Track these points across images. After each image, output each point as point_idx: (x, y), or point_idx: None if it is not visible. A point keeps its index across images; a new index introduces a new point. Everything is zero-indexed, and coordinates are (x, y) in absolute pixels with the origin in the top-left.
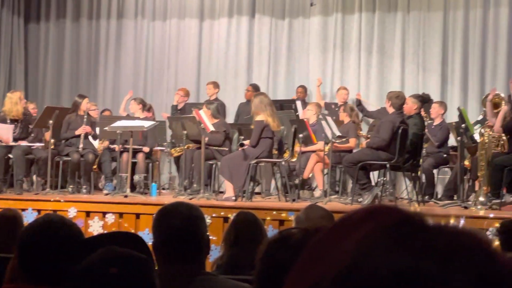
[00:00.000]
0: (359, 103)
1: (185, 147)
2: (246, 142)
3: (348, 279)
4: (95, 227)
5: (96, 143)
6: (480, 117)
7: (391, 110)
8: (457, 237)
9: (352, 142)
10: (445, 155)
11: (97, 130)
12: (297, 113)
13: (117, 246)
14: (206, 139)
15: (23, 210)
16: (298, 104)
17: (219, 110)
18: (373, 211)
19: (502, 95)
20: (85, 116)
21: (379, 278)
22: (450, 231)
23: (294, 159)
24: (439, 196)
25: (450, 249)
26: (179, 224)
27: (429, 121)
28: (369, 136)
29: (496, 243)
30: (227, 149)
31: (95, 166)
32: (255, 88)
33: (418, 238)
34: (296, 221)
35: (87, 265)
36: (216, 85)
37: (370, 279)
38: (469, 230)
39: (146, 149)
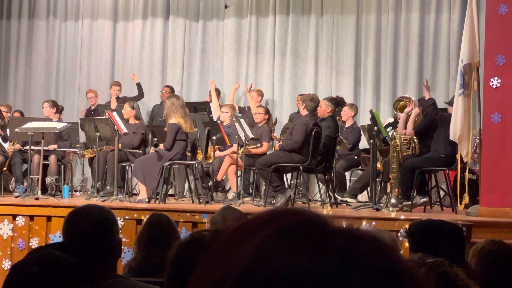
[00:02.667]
0: None
1: (98, 149)
2: (162, 146)
3: (248, 281)
4: (4, 230)
5: (6, 145)
6: (392, 119)
7: (304, 112)
8: (356, 237)
9: (265, 146)
10: (356, 157)
11: (8, 131)
12: (210, 115)
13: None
14: (120, 145)
15: None
16: (212, 106)
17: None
18: (274, 214)
19: (413, 98)
20: None
21: (278, 279)
22: (349, 232)
23: (209, 161)
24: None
25: (349, 249)
26: (89, 226)
27: (341, 123)
28: (282, 138)
29: (406, 244)
30: (141, 151)
31: (5, 168)
32: (172, 89)
33: (317, 239)
34: (212, 223)
35: (17, 263)
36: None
37: (269, 280)
38: (368, 231)
39: (52, 146)
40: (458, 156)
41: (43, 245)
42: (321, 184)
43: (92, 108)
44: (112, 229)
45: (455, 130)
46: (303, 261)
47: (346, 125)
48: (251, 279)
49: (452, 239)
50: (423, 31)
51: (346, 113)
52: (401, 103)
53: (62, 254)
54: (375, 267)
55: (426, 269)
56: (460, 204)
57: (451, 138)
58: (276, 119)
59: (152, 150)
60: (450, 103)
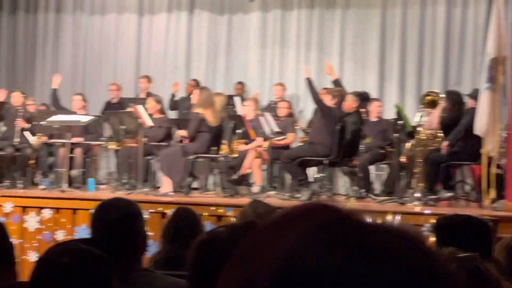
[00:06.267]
0: None
1: (123, 142)
2: (182, 132)
3: (282, 277)
4: (31, 223)
5: (33, 138)
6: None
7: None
8: (392, 236)
9: (291, 137)
10: (382, 151)
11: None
12: (235, 109)
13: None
14: (145, 139)
15: None
16: (237, 100)
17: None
18: (309, 210)
19: (441, 95)
20: (22, 110)
21: (313, 277)
22: (386, 230)
23: (235, 155)
24: (376, 192)
25: (385, 248)
26: (116, 219)
27: (365, 117)
28: (308, 131)
29: (432, 239)
30: (165, 143)
31: (32, 161)
32: (198, 83)
33: (353, 238)
34: (242, 215)
35: (44, 255)
36: (149, 79)
37: (305, 278)
38: (405, 228)
39: (78, 139)
40: (484, 151)
41: (68, 240)
42: (345, 178)
43: (113, 101)
44: (138, 222)
45: (481, 125)
46: (340, 260)
47: (373, 119)
48: (286, 276)
49: (479, 234)
50: (449, 25)
51: (374, 107)
52: (428, 97)
53: (89, 247)
54: (412, 268)
55: (458, 264)
56: (486, 198)
57: (477, 132)
58: (302, 109)
59: (178, 144)
60: (471, 95)
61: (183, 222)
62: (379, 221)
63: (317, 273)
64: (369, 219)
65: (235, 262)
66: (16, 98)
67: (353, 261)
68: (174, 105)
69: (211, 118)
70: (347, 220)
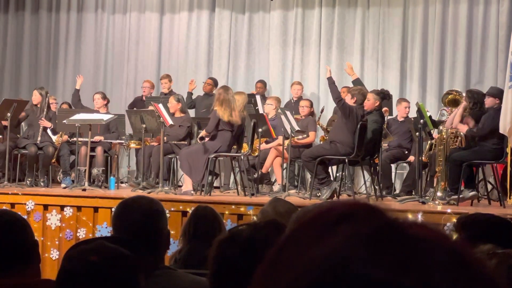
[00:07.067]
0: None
1: (144, 141)
2: (202, 133)
3: (323, 285)
4: (53, 221)
5: (54, 137)
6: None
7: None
8: (439, 250)
9: (312, 135)
10: (405, 152)
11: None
12: (256, 108)
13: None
14: (165, 138)
15: None
16: (258, 98)
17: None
18: (350, 213)
19: (464, 94)
20: (44, 109)
21: (357, 287)
22: (432, 243)
23: (255, 154)
24: (397, 191)
25: (431, 264)
26: (139, 217)
27: (389, 117)
28: (328, 129)
29: (454, 238)
30: (186, 142)
31: (53, 160)
32: (215, 82)
33: (398, 250)
34: (262, 214)
35: (72, 252)
36: (170, 78)
37: (347, 287)
38: (452, 241)
39: (99, 138)
40: (508, 150)
41: (92, 237)
42: (366, 176)
43: (144, 98)
44: (161, 220)
45: (505, 123)
46: (383, 273)
47: (400, 119)
48: (327, 284)
49: (502, 234)
50: (471, 23)
51: (402, 108)
52: (449, 96)
53: (116, 246)
54: (458, 284)
55: (498, 260)
56: (509, 198)
57: (500, 131)
58: (323, 107)
59: (199, 142)
60: (489, 93)
61: (203, 220)
62: (421, 223)
63: (361, 283)
64: (412, 222)
65: (270, 266)
66: (37, 97)
67: (399, 275)
68: (191, 103)
69: (232, 116)
70: (393, 229)
